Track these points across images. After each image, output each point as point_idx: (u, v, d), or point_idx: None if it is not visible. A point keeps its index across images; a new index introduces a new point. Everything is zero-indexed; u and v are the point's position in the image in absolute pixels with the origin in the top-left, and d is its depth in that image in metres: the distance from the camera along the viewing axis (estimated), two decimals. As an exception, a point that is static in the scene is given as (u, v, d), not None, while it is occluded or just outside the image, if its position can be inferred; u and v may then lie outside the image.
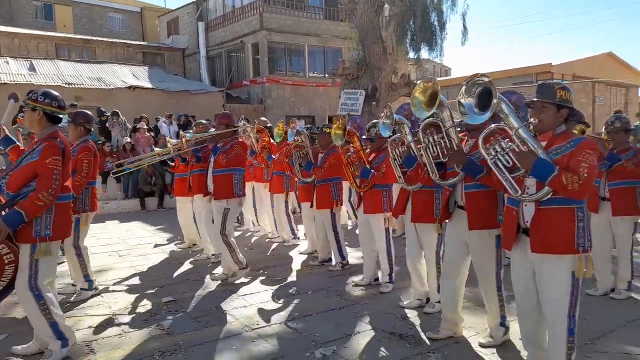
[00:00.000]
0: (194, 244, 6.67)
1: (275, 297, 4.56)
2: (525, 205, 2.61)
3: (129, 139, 11.84)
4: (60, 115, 3.28)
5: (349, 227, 7.97)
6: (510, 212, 2.71)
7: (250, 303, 4.38)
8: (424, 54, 15.68)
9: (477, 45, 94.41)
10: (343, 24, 19.48)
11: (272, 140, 6.75)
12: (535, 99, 2.63)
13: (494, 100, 2.57)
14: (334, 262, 5.52)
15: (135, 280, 5.26)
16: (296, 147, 5.66)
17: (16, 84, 14.07)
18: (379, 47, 14.62)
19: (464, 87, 2.75)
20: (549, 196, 2.49)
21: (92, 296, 4.61)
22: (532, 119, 2.60)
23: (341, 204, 5.54)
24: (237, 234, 7.41)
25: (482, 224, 3.17)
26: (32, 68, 16.19)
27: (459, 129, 3.36)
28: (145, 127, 12.58)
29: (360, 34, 14.95)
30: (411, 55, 16.00)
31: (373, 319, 3.91)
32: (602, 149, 4.14)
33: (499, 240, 3.17)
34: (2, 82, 14.00)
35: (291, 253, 6.40)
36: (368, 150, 4.80)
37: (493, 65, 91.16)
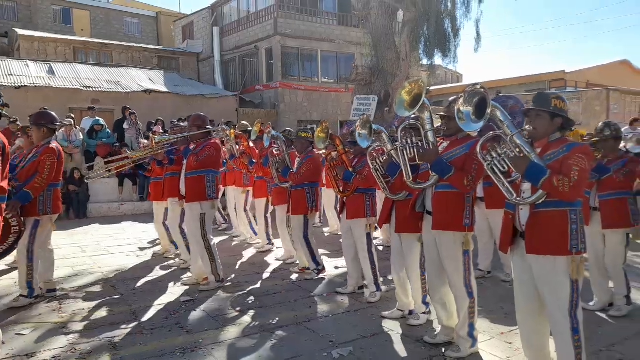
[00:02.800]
0: (169, 250, 6.47)
1: (290, 299, 4.64)
2: (521, 209, 2.71)
3: (145, 141, 12.00)
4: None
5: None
6: (507, 216, 2.82)
7: (265, 304, 4.46)
8: (438, 60, 15.72)
9: (490, 51, 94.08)
10: (356, 29, 19.60)
11: (251, 145, 6.55)
12: (531, 108, 2.75)
13: (488, 110, 2.70)
14: (310, 269, 5.36)
15: (154, 280, 5.37)
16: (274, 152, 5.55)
17: (36, 86, 14.38)
18: (393, 53, 14.68)
19: (463, 96, 2.87)
20: (543, 199, 2.58)
21: (31, 304, 4.37)
22: (527, 126, 2.73)
23: (317, 211, 5.44)
24: (233, 243, 7.48)
25: (446, 226, 3.19)
26: (51, 71, 16.50)
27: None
28: (161, 130, 12.76)
29: (373, 39, 15.02)
30: (424, 61, 16.04)
31: (388, 321, 3.97)
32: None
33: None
34: (23, 84, 14.30)
35: (268, 259, 6.31)
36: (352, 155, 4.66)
37: (506, 72, 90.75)
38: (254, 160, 6.25)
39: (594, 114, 17.06)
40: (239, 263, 6.18)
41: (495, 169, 2.72)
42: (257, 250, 6.77)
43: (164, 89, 17.43)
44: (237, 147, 6.34)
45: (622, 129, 4.51)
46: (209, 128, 5.22)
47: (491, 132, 2.84)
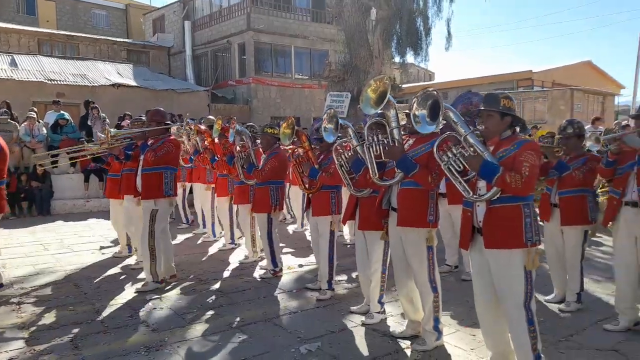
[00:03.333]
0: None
1: (259, 295, 4.61)
2: (478, 205, 2.80)
3: (102, 135, 11.65)
4: None
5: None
6: (465, 214, 2.90)
7: (234, 301, 4.42)
8: (410, 58, 15.91)
9: (461, 50, 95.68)
10: (330, 26, 19.60)
11: (216, 141, 6.18)
12: (482, 108, 2.86)
13: (441, 112, 2.80)
14: (267, 269, 5.26)
15: (118, 278, 5.25)
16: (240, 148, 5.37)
17: (-3, 78, 13.82)
18: (366, 50, 14.78)
19: (416, 100, 2.95)
20: (497, 195, 2.67)
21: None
22: (479, 126, 2.86)
23: (280, 209, 5.24)
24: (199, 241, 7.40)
25: (410, 222, 3.22)
26: (13, 63, 15.87)
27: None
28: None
29: (347, 36, 15.09)
30: (397, 59, 16.21)
31: (356, 316, 3.98)
32: (551, 158, 4.09)
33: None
34: (-18, 76, 13.72)
35: (235, 256, 6.17)
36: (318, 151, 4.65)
37: (475, 70, 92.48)
38: (217, 157, 6.03)
39: (559, 112, 17.56)
40: (206, 260, 6.10)
41: (452, 168, 2.81)
42: (219, 249, 6.62)
43: (133, 83, 17.03)
44: (201, 142, 6.12)
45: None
46: (168, 123, 5.09)
47: (446, 133, 2.92)
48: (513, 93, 21.75)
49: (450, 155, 2.81)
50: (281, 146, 5.19)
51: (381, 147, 3.29)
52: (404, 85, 19.38)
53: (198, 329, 3.75)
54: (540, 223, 4.08)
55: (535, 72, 24.61)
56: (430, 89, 2.97)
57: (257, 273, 5.40)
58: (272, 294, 4.64)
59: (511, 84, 24.47)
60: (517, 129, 2.87)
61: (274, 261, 5.21)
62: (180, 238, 7.42)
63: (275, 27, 19.84)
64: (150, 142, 4.91)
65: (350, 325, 3.80)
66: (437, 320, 3.33)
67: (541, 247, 2.85)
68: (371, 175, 3.37)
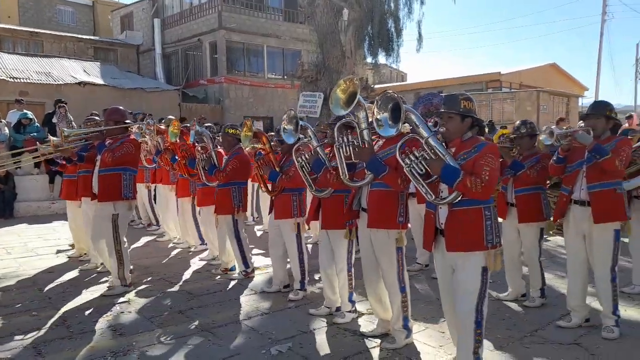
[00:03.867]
0: (85, 253, 5.96)
1: (230, 297, 4.57)
2: (440, 208, 2.79)
3: (54, 138, 11.28)
4: None
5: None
6: (428, 216, 2.90)
7: (205, 303, 4.37)
8: (382, 59, 16.05)
9: (433, 52, 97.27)
10: (302, 26, 19.58)
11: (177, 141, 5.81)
12: (442, 110, 2.85)
13: (402, 114, 2.79)
14: (237, 271, 5.24)
15: (82, 281, 5.11)
16: (200, 148, 5.21)
17: (-46, 76, 13.25)
18: (338, 50, 14.82)
19: (377, 103, 2.93)
20: (459, 198, 2.67)
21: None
22: (440, 128, 2.83)
23: (244, 210, 5.10)
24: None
25: (380, 223, 3.23)
26: (-28, 60, 15.27)
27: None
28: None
29: (319, 37, 15.09)
30: (369, 60, 16.32)
31: (328, 316, 3.99)
32: (506, 157, 4.12)
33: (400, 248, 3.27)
34: (-61, 73, 13.13)
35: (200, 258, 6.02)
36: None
37: (447, 72, 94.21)
38: (177, 158, 5.68)
39: (525, 113, 18.06)
40: (175, 262, 5.99)
41: (414, 171, 2.79)
42: (190, 251, 6.48)
43: (100, 82, 16.63)
44: (162, 142, 5.75)
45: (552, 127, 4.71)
46: (127, 123, 4.95)
47: (407, 135, 2.91)
48: (482, 94, 22.27)
49: (413, 158, 2.79)
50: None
51: (351, 149, 3.26)
52: (376, 86, 19.55)
53: (167, 332, 3.68)
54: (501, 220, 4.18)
55: (503, 74, 25.27)
56: (390, 92, 2.95)
57: (218, 271, 5.32)
58: (242, 295, 4.60)
59: (481, 85, 25.05)
60: (486, 130, 2.91)
61: (245, 262, 5.14)
62: (145, 240, 7.27)
63: (248, 26, 19.70)
64: (108, 142, 4.75)
65: (321, 325, 3.81)
66: (406, 319, 3.37)
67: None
68: (341, 177, 3.36)
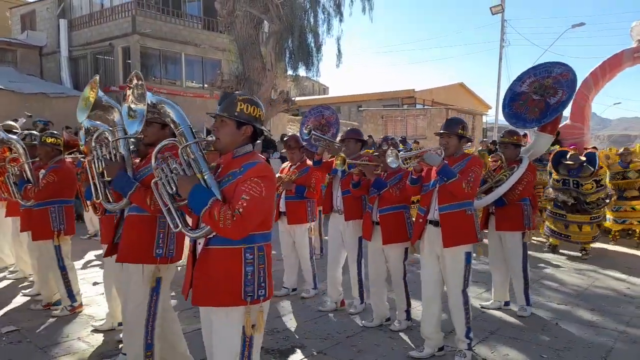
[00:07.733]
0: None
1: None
2: (199, 243, 2.15)
3: None
4: None
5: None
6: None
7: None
8: (302, 72, 16.22)
9: (352, 68, 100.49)
10: (222, 35, 19.28)
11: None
12: (218, 112, 2.21)
13: (149, 101, 2.21)
14: (61, 306, 4.36)
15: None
16: (11, 160, 4.42)
17: None
18: (258, 62, 14.74)
19: (132, 93, 2.33)
20: (214, 233, 2.07)
21: None
22: (209, 136, 2.29)
23: (68, 233, 4.32)
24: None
25: (133, 258, 2.77)
26: None
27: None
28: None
29: (239, 47, 14.93)
30: (290, 72, 16.43)
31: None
32: (369, 175, 3.96)
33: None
34: None
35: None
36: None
37: (366, 87, 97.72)
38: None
39: (437, 129, 19.17)
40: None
41: (163, 189, 2.17)
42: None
43: (-4, 85, 15.10)
44: None
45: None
46: None
47: (164, 141, 2.30)
48: (397, 110, 23.33)
49: (167, 172, 2.15)
50: (65, 159, 4.48)
51: (103, 164, 2.75)
52: (297, 98, 19.73)
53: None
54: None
55: (417, 91, 26.78)
56: (135, 79, 2.30)
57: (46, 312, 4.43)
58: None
59: (397, 101, 26.31)
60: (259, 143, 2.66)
61: (72, 295, 4.35)
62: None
63: (164, 32, 19.02)
64: None
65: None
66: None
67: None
68: (94, 198, 2.82)
